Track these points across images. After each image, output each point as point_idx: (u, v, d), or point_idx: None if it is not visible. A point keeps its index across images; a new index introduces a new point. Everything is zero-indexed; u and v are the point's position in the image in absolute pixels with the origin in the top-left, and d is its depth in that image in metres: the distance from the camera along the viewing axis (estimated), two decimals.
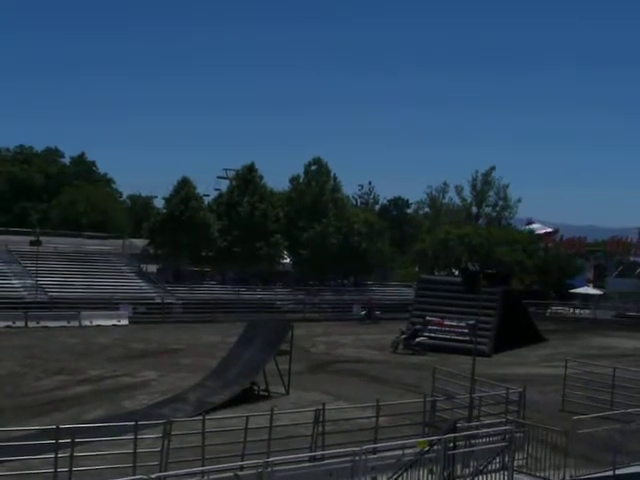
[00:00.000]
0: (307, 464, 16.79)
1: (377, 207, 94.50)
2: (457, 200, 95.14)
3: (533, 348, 45.23)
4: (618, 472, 18.42)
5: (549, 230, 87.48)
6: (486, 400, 23.43)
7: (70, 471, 16.00)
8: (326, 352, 41.94)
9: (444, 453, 17.13)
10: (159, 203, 75.81)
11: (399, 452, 17.16)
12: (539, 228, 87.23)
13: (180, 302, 59.13)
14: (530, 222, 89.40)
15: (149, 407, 26.00)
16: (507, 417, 21.60)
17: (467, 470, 17.48)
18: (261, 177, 69.50)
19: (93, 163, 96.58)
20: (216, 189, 72.05)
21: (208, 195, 70.79)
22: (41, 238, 59.47)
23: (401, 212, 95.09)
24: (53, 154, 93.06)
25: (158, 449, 17.20)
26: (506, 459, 17.62)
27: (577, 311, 70.36)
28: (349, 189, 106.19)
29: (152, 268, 64.61)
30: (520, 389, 23.25)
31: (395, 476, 16.20)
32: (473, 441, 18.34)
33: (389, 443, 18.67)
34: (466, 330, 41.57)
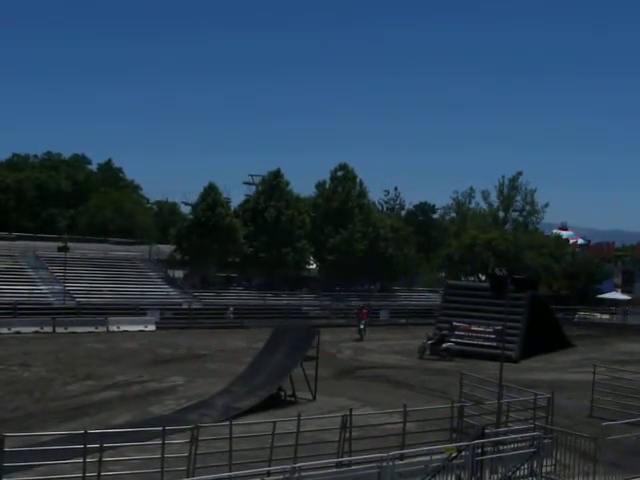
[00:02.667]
0: (334, 470, 16.74)
1: (403, 212, 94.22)
2: (484, 205, 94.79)
3: (561, 354, 44.94)
4: None
5: (579, 241, 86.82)
6: (514, 406, 23.28)
7: (98, 476, 16.07)
8: (353, 358, 41.86)
9: (472, 459, 17.04)
10: (186, 209, 76.18)
11: (427, 458, 17.09)
12: (570, 237, 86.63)
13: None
14: (564, 227, 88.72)
15: (176, 412, 26.07)
16: (535, 423, 21.46)
17: (495, 476, 17.37)
18: (287, 183, 69.64)
19: (120, 169, 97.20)
20: (246, 195, 72.04)
21: (230, 200, 70.95)
22: (69, 244, 59.80)
23: (427, 217, 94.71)
24: (80, 161, 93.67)
25: (185, 454, 17.22)
26: (534, 465, 17.51)
27: (605, 316, 69.80)
28: (375, 194, 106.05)
29: (179, 274, 64.88)
30: (548, 395, 23.06)
31: None
32: (501, 447, 18.22)
33: (416, 449, 18.61)
34: (493, 335, 41.55)
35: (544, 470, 17.93)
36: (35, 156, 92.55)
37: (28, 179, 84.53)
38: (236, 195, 72.74)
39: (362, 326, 50.85)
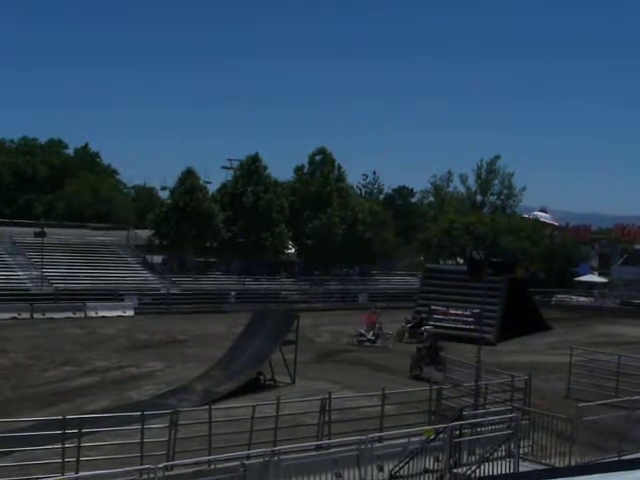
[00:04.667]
0: (313, 453, 16.84)
1: (382, 197, 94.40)
2: (462, 189, 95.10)
3: (538, 336, 45.20)
4: (623, 459, 18.43)
5: (555, 224, 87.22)
6: (492, 388, 23.44)
7: (77, 461, 16.06)
8: (332, 341, 41.96)
9: (450, 441, 17.18)
10: (164, 194, 75.94)
11: (405, 440, 17.23)
12: (547, 218, 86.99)
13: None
14: (544, 210, 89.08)
15: (155, 397, 26.09)
16: (513, 405, 21.62)
17: (473, 458, 17.52)
18: (265, 167, 69.41)
19: (97, 154, 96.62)
20: (222, 183, 71.81)
21: (210, 182, 70.75)
22: (46, 230, 59.46)
23: (405, 201, 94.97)
24: (57, 145, 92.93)
25: (165, 439, 17.25)
26: (512, 447, 17.67)
27: (582, 299, 70.25)
28: (353, 179, 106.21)
29: (157, 259, 64.65)
30: (525, 377, 23.25)
31: (401, 464, 16.26)
32: (479, 429, 18.38)
33: (395, 431, 18.74)
34: (471, 319, 41.73)
35: (521, 451, 18.10)
36: (11, 141, 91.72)
37: (4, 164, 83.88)
38: (216, 180, 72.23)
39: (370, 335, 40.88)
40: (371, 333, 40.91)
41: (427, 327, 41.98)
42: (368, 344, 40.15)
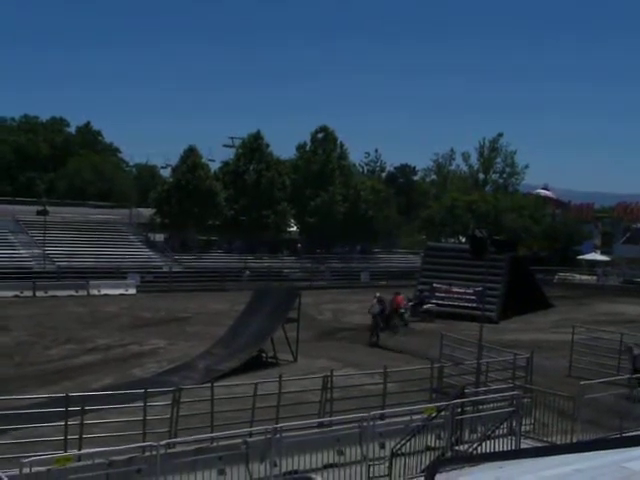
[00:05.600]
0: (315, 430, 16.87)
1: (384, 175, 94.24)
2: (464, 167, 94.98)
3: (540, 314, 45.24)
4: (625, 436, 18.47)
5: (560, 200, 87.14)
6: (493, 366, 23.49)
7: (80, 438, 16.10)
8: (333, 319, 42.03)
9: (452, 419, 17.22)
10: (165, 172, 75.91)
11: (407, 418, 17.26)
12: (550, 196, 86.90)
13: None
14: (546, 188, 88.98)
15: (158, 375, 26.14)
16: (514, 383, 21.66)
17: (475, 435, 17.57)
18: (267, 145, 69.35)
19: (99, 132, 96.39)
20: (222, 162, 71.66)
21: (214, 160, 70.71)
22: (48, 208, 59.49)
23: (408, 179, 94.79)
24: (58, 123, 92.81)
25: (167, 416, 17.29)
26: (513, 424, 17.70)
27: (584, 277, 70.29)
28: (356, 157, 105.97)
29: (159, 237, 64.73)
30: (527, 355, 23.26)
31: (403, 442, 16.29)
32: (480, 407, 18.42)
33: (397, 409, 18.79)
34: (473, 297, 41.70)
35: (523, 429, 18.14)
36: (13, 119, 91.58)
37: (6, 142, 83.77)
38: (218, 158, 72.18)
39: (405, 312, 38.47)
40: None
41: (429, 305, 42.23)
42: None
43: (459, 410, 17.62)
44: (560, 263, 72.35)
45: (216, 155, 73.15)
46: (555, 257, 73.92)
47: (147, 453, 14.32)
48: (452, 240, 74.73)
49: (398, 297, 38.56)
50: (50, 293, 47.93)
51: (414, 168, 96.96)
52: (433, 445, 17.11)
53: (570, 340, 28.23)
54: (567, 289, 61.67)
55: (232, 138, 72.76)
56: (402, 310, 38.24)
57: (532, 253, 72.65)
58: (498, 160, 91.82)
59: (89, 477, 13.64)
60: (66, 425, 16.15)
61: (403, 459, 16.14)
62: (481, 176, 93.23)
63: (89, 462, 14.03)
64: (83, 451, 15.11)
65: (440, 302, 43.43)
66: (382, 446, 16.65)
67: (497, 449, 16.70)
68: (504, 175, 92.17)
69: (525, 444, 17.55)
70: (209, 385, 18.49)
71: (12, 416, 17.31)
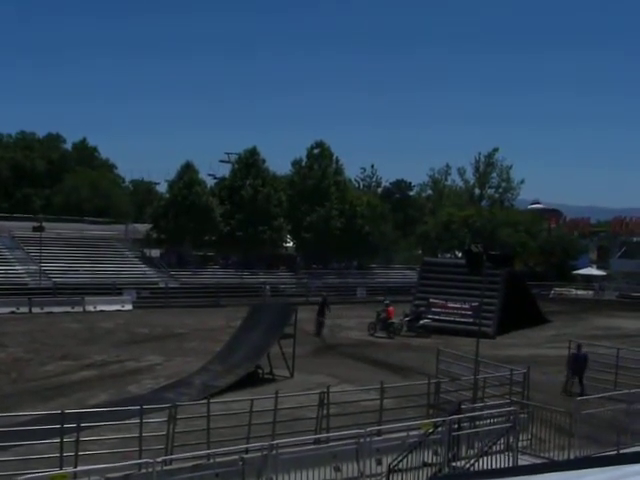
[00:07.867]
0: (312, 446, 16.83)
1: (380, 190, 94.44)
2: (460, 182, 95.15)
3: (537, 329, 45.23)
4: (622, 452, 18.45)
5: (558, 211, 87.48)
6: (490, 381, 23.43)
7: (76, 455, 16.04)
8: (330, 335, 41.95)
9: (448, 435, 17.19)
10: (162, 188, 75.98)
11: (404, 434, 17.23)
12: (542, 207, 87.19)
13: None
14: (536, 202, 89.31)
15: (154, 391, 26.06)
16: (511, 398, 21.63)
17: (471, 451, 17.53)
18: (263, 160, 69.48)
19: (95, 148, 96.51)
20: (216, 178, 71.77)
21: (214, 176, 70.91)
22: (44, 224, 59.41)
23: (404, 195, 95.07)
24: (55, 140, 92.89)
25: (163, 433, 17.23)
26: (510, 440, 17.68)
27: (581, 292, 70.33)
28: (351, 172, 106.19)
29: (155, 253, 64.67)
30: (524, 370, 23.23)
31: (400, 458, 16.26)
32: (477, 422, 18.38)
33: (394, 425, 18.75)
34: (470, 312, 41.75)
35: (520, 445, 18.11)
36: (9, 135, 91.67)
37: (2, 159, 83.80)
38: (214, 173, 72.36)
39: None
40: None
41: (425, 321, 42.24)
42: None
43: (456, 426, 17.60)
44: (556, 278, 72.43)
45: (211, 171, 73.27)
46: (551, 272, 74.00)
47: (143, 470, 14.28)
48: (448, 255, 74.84)
49: (389, 309, 41.93)
50: (46, 309, 47.80)
51: (410, 183, 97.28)
52: (430, 461, 17.07)
53: (566, 355, 28.19)
54: (563, 304, 61.70)
55: (228, 154, 72.90)
56: (391, 321, 41.67)
57: (528, 268, 72.74)
58: (494, 175, 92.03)
59: None
60: (62, 442, 16.09)
61: (400, 475, 16.10)
62: (477, 191, 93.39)
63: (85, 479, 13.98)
64: (79, 468, 15.05)
65: (436, 317, 43.43)
66: (379, 462, 16.62)
67: (494, 465, 16.67)
68: (500, 190, 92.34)
69: (522, 460, 17.52)
70: (205, 402, 18.44)
71: (8, 433, 17.25)
